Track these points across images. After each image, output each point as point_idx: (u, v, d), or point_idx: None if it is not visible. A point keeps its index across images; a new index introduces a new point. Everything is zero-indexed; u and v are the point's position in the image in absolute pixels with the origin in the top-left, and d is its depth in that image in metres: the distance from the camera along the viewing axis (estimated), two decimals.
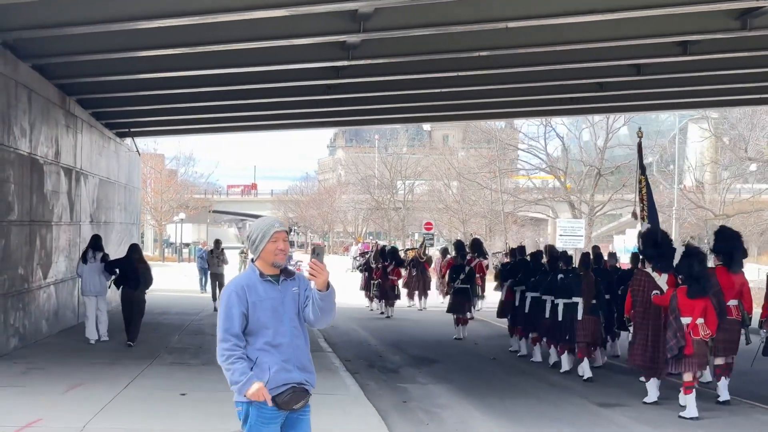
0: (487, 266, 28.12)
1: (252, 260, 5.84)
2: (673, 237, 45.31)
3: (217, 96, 20.32)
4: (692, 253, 11.84)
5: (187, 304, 28.19)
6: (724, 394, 12.52)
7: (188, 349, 17.10)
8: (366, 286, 30.37)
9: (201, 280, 36.18)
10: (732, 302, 12.69)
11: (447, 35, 15.20)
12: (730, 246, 13.00)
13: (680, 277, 11.92)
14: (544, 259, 17.69)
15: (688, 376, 11.59)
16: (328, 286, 5.67)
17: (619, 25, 14.67)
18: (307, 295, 5.81)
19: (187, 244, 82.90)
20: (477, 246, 24.86)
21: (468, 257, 22.88)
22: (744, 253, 13.20)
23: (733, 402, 12.65)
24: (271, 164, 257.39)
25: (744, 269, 13.27)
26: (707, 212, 43.85)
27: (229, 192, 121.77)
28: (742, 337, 12.72)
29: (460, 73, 18.03)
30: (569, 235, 39.34)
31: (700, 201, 44.87)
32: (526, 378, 15.33)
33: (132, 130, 26.67)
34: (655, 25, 14.77)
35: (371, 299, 29.56)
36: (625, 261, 33.18)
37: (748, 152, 39.80)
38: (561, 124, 50.48)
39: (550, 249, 17.67)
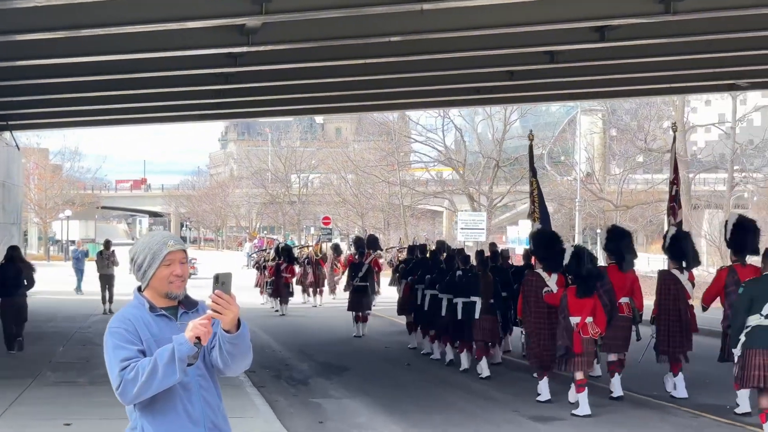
0: (383, 260, 28.94)
1: (139, 289, 4.43)
2: (576, 229, 45.29)
3: (104, 85, 18.63)
4: (580, 253, 11.88)
5: (75, 309, 26.44)
6: (617, 390, 12.58)
7: (75, 364, 15.41)
8: (260, 283, 30.44)
9: (78, 281, 35.04)
10: (623, 300, 12.76)
11: (356, 18, 13.89)
12: (620, 245, 13.12)
13: (569, 277, 12.02)
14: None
15: (579, 375, 11.59)
16: (239, 324, 4.23)
17: (531, 10, 13.72)
18: (216, 331, 4.35)
19: (74, 242, 79.84)
20: (373, 242, 25.53)
21: (365, 254, 23.10)
22: (634, 253, 13.33)
23: (626, 397, 12.68)
24: (161, 159, 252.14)
25: (634, 265, 13.42)
26: (607, 203, 43.69)
27: (118, 187, 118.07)
28: (633, 334, 12.84)
29: (369, 61, 16.73)
30: (471, 229, 38.57)
31: (600, 193, 44.67)
32: (448, 388, 14.17)
33: (11, 123, 24.67)
34: (571, 9, 13.80)
35: (268, 296, 29.35)
36: (520, 252, 32.91)
37: (647, 143, 39.72)
38: (458, 116, 49.73)
39: (443, 246, 18.61)
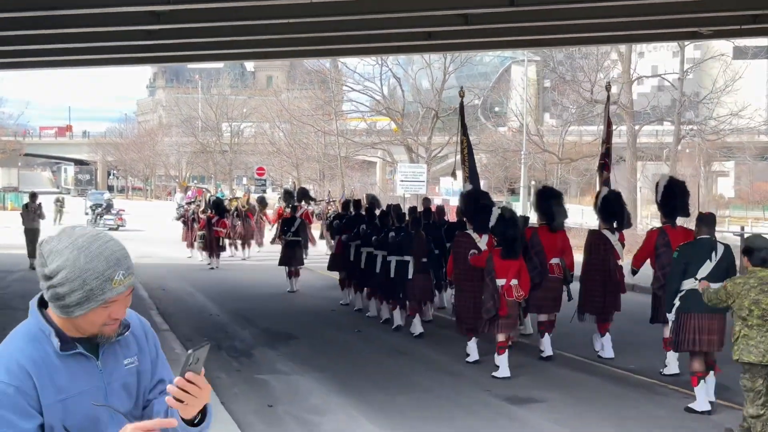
0: (313, 213, 28.73)
1: (39, 306, 2.97)
2: (522, 182, 44.32)
3: (23, 23, 16.75)
4: (506, 216, 11.90)
5: None
6: (547, 350, 12.71)
7: None
8: (187, 237, 30.22)
9: None
10: (554, 260, 12.86)
11: None
12: (550, 205, 13.17)
13: (495, 239, 12.06)
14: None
15: (501, 337, 11.56)
16: (203, 415, 2.93)
17: None
18: (160, 378, 3.11)
19: None
20: (303, 195, 26.22)
21: (297, 207, 23.33)
22: (564, 213, 13.46)
23: (556, 356, 12.75)
24: (87, 105, 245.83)
25: (564, 226, 13.59)
26: (550, 155, 42.69)
27: (42, 134, 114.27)
28: (564, 294, 12.97)
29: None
30: (410, 181, 37.31)
31: (543, 145, 43.62)
32: (404, 360, 12.93)
33: None
34: None
35: (198, 250, 28.82)
36: (455, 204, 32.04)
37: (593, 94, 38.70)
38: (396, 64, 48.12)
39: (375, 200, 19.42)
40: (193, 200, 33.63)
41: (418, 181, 37.54)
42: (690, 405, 9.77)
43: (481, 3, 16.14)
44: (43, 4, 14.86)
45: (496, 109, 79.07)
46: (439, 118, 46.92)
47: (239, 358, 12.85)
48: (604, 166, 14.62)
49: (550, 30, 19.73)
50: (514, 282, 11.63)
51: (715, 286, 8.98)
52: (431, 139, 46.69)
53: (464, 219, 13.86)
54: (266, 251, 29.24)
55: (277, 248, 28.18)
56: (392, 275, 14.93)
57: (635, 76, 40.21)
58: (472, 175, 15.12)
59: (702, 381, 9.68)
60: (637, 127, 39.35)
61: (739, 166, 63.66)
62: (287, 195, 27.72)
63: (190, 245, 29.73)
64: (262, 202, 32.94)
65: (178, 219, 31.65)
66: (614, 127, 42.54)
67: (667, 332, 11.01)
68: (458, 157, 15.51)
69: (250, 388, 10.83)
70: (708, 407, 9.65)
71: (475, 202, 13.36)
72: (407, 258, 14.68)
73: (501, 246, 11.72)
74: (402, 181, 37.75)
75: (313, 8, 16.22)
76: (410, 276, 14.62)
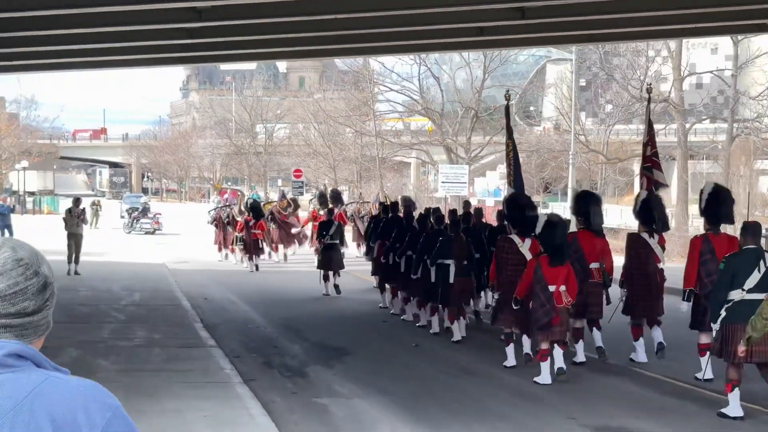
0: (346, 214, 29.08)
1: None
2: (569, 184, 43.09)
3: (59, 21, 15.95)
4: (553, 223, 11.80)
5: None
6: (580, 356, 12.63)
7: None
8: (219, 240, 29.97)
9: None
10: (593, 265, 12.80)
11: None
12: (590, 209, 13.19)
13: (542, 246, 11.97)
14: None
15: (545, 345, 11.48)
16: None
17: None
18: None
19: (33, 193, 76.65)
20: (337, 197, 26.87)
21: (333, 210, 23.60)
22: (601, 217, 13.48)
23: (620, 368, 12.56)
24: (121, 107, 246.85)
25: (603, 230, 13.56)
26: (595, 156, 41.42)
27: (77, 137, 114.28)
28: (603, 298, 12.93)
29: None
30: (452, 182, 36.26)
31: (589, 145, 42.37)
32: (473, 380, 11.92)
33: None
34: None
35: (233, 252, 28.78)
36: (490, 205, 31.16)
37: (642, 91, 37.40)
38: (435, 63, 47.01)
39: (411, 202, 19.15)
40: (227, 204, 32.86)
41: (460, 182, 36.48)
42: (723, 410, 9.75)
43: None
44: (78, 1, 14.05)
45: (531, 108, 77.82)
46: (479, 118, 45.76)
47: (293, 378, 11.92)
48: (649, 168, 14.22)
49: (609, 23, 18.73)
50: (562, 288, 11.48)
51: (761, 296, 9.07)
52: (471, 140, 45.56)
53: (506, 223, 13.74)
54: (300, 254, 29.27)
55: (307, 250, 28.98)
56: (433, 279, 14.63)
57: (685, 73, 38.82)
58: (516, 180, 14.98)
59: (736, 388, 9.68)
60: (687, 125, 37.97)
61: None
62: (321, 197, 27.90)
63: (222, 248, 29.51)
64: (294, 205, 32.45)
65: (211, 223, 31.00)
66: (663, 126, 41.26)
67: (703, 338, 11.17)
68: (505, 161, 15.47)
69: (310, 415, 9.87)
70: (741, 413, 9.65)
71: (519, 206, 13.28)
72: (448, 261, 14.40)
73: (549, 253, 11.56)
74: (444, 182, 36.72)
75: (356, 3, 15.43)
76: (451, 280, 14.33)
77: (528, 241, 12.59)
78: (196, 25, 17.13)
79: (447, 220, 15.64)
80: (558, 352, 11.44)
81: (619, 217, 38.96)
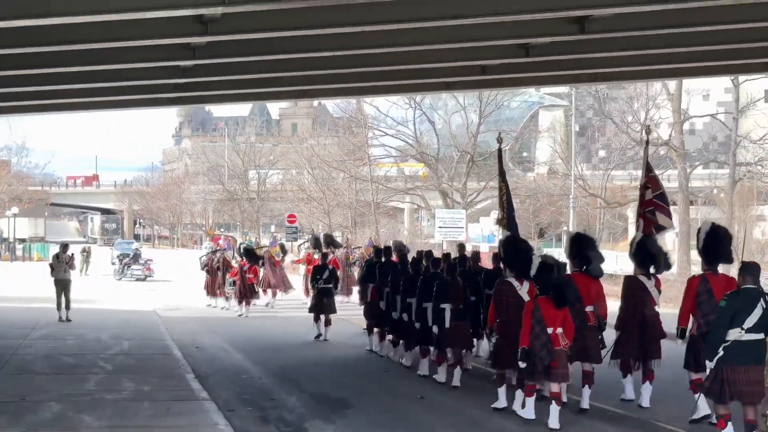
0: (340, 259, 28.77)
1: None
2: (570, 227, 42.47)
3: (44, 59, 15.35)
4: (549, 265, 11.85)
5: (12, 321, 23.30)
6: (584, 402, 12.39)
7: (8, 405, 12.05)
8: (208, 285, 29.63)
9: None
10: (588, 308, 12.66)
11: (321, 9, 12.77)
12: (586, 252, 13.07)
13: (537, 288, 11.95)
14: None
15: (555, 387, 11.42)
16: None
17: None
18: None
19: (23, 240, 75.73)
20: (330, 241, 26.73)
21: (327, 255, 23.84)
22: (600, 258, 13.25)
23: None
24: (113, 155, 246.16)
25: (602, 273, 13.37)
26: (596, 200, 40.86)
27: (68, 183, 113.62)
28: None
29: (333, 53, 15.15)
30: (449, 227, 35.66)
31: (588, 189, 41.78)
32: None
33: None
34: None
35: (226, 298, 28.38)
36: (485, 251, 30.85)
37: (640, 133, 36.86)
38: (430, 108, 46.53)
39: (403, 247, 19.33)
40: (220, 249, 32.57)
41: (457, 227, 35.81)
42: None
43: (547, 31, 14.66)
44: (65, 38, 13.52)
45: (524, 154, 77.70)
46: (475, 163, 45.21)
47: None
48: (651, 211, 14.05)
49: (614, 62, 18.20)
50: (559, 331, 11.44)
51: (758, 336, 9.34)
52: (466, 185, 44.96)
53: (502, 266, 13.63)
54: (288, 298, 29.40)
55: (298, 294, 29.01)
56: (429, 322, 14.47)
57: (686, 116, 38.29)
58: (510, 222, 14.88)
59: (729, 423, 9.76)
60: (689, 169, 37.37)
61: None
62: (315, 241, 27.85)
63: (211, 294, 29.31)
64: (282, 250, 33.10)
65: (203, 268, 30.54)
66: (661, 171, 40.89)
67: (696, 376, 11.18)
68: (498, 204, 15.41)
69: None
70: None
71: (515, 249, 13.12)
72: (444, 305, 14.23)
73: (552, 295, 11.48)
74: (440, 227, 36.04)
75: (353, 40, 14.92)
76: (447, 324, 14.17)
77: (526, 284, 12.46)
78: (189, 63, 16.61)
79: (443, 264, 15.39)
80: (554, 409, 11.22)
81: (614, 262, 38.35)
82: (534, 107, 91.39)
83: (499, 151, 16.64)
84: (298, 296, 29.28)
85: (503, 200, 15.17)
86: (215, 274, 28.97)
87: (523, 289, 12.43)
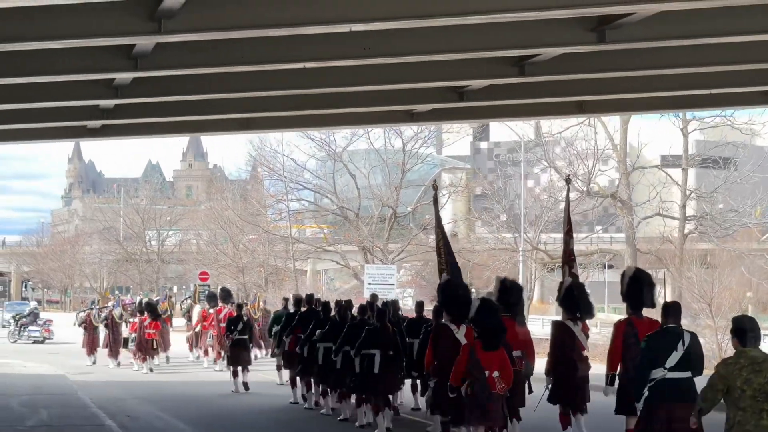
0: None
1: None
2: (520, 280, 40.73)
3: None
4: (488, 307, 11.93)
5: None
6: None
7: None
8: (87, 343, 29.13)
9: None
10: (516, 353, 12.79)
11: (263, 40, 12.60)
12: (513, 298, 13.49)
13: (476, 330, 11.97)
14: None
15: (481, 430, 11.52)
16: None
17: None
18: None
19: None
20: (227, 296, 27.84)
21: (219, 307, 26.03)
22: (523, 306, 13.85)
23: None
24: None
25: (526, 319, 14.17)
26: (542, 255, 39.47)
27: None
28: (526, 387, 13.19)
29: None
30: (379, 284, 33.62)
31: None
32: None
33: None
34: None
35: (133, 354, 27.50)
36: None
37: (590, 186, 35.37)
38: (350, 161, 44.55)
39: (313, 299, 18.95)
40: (105, 306, 31.71)
41: (387, 283, 33.75)
42: None
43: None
44: None
45: (427, 216, 76.29)
46: (397, 218, 43.31)
47: None
48: (571, 261, 14.44)
49: (611, 86, 16.70)
50: (496, 374, 11.43)
51: (683, 375, 9.54)
52: (388, 242, 42.97)
53: (441, 313, 13.60)
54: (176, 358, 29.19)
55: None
56: (357, 369, 14.67)
57: (633, 166, 36.88)
58: (451, 267, 14.86)
59: None
60: (635, 222, 36.02)
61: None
62: (211, 297, 28.67)
63: (91, 352, 28.98)
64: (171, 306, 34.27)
65: (79, 325, 30.34)
66: (603, 227, 39.44)
67: (631, 423, 11.14)
68: (436, 251, 15.82)
69: None
70: None
71: (453, 292, 13.32)
72: (373, 351, 14.42)
73: (482, 337, 11.60)
74: (370, 283, 33.84)
75: (307, 76, 14.73)
76: (376, 370, 14.37)
77: (464, 328, 12.63)
78: (111, 102, 14.71)
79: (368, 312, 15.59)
80: None
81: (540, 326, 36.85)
82: (435, 170, 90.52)
83: (435, 197, 17.13)
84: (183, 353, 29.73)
85: (440, 246, 15.34)
86: (94, 332, 28.79)
87: (461, 333, 12.62)
